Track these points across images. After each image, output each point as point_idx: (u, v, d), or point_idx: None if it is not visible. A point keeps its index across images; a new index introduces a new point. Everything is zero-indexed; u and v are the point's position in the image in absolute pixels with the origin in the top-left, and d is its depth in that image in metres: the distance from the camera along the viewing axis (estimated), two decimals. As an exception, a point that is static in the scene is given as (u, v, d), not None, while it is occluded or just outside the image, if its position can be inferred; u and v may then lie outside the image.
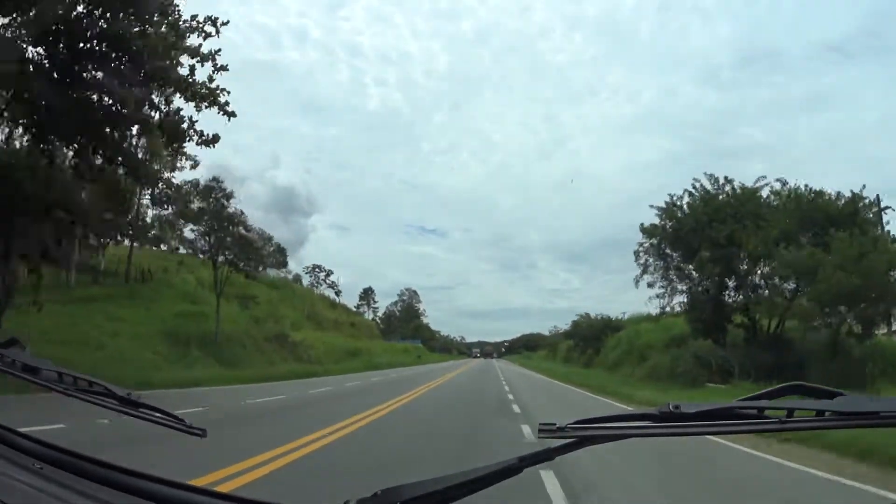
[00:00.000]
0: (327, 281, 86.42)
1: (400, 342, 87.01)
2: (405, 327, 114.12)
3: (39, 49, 13.65)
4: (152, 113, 15.24)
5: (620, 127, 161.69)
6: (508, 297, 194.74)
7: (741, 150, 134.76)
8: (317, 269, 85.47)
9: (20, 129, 15.65)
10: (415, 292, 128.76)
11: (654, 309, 29.16)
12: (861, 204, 22.66)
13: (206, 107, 14.99)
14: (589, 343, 45.94)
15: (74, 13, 13.54)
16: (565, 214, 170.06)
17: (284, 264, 71.81)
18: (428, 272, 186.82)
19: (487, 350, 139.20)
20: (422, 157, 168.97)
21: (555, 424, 0.93)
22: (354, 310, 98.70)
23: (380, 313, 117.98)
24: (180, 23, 14.73)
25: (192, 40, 14.85)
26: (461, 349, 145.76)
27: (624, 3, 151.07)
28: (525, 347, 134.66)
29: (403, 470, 5.50)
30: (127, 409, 1.17)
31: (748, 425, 0.97)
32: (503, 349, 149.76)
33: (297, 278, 74.09)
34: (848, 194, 23.06)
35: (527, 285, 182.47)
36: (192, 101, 14.93)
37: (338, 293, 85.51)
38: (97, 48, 13.81)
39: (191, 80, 14.83)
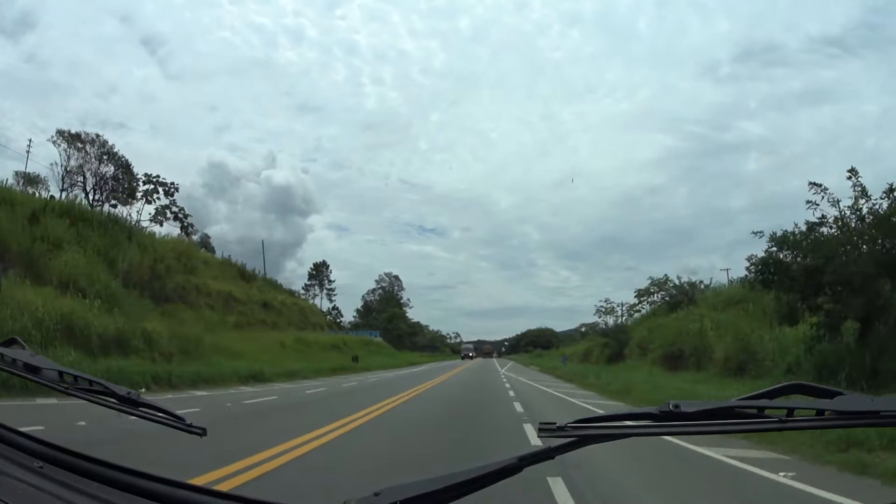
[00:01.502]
0: (181, 217, 50.70)
1: (340, 333, 59.19)
2: (377, 318, 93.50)
3: None
4: None
5: (619, 123, 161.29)
6: (508, 295, 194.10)
7: (740, 146, 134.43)
8: (153, 181, 47.71)
9: None
10: (396, 277, 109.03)
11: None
12: None
13: None
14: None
15: None
16: (564, 212, 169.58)
17: (130, 194, 44.88)
18: (428, 271, 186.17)
19: (486, 349, 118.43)
20: (420, 156, 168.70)
21: (555, 423, 0.93)
22: (302, 292, 77.20)
23: (358, 304, 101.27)
24: None
25: None
26: (455, 347, 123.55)
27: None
28: (533, 345, 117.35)
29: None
30: (127, 408, 1.17)
31: (748, 424, 0.97)
32: (503, 348, 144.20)
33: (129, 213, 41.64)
34: None
35: (526, 284, 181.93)
36: None
37: (188, 230, 51.52)
38: None
39: None
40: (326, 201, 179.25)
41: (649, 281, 40.17)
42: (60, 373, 1.22)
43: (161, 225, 47.04)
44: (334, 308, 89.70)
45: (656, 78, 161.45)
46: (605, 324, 49.88)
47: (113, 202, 43.81)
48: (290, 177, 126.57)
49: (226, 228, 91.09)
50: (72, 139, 41.84)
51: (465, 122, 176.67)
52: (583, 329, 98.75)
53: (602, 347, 42.67)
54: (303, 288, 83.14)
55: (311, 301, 77.55)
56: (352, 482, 5.31)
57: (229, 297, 37.58)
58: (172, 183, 49.76)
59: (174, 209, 50.66)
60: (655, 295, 41.24)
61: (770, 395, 0.96)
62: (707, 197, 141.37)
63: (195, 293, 32.81)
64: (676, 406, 0.93)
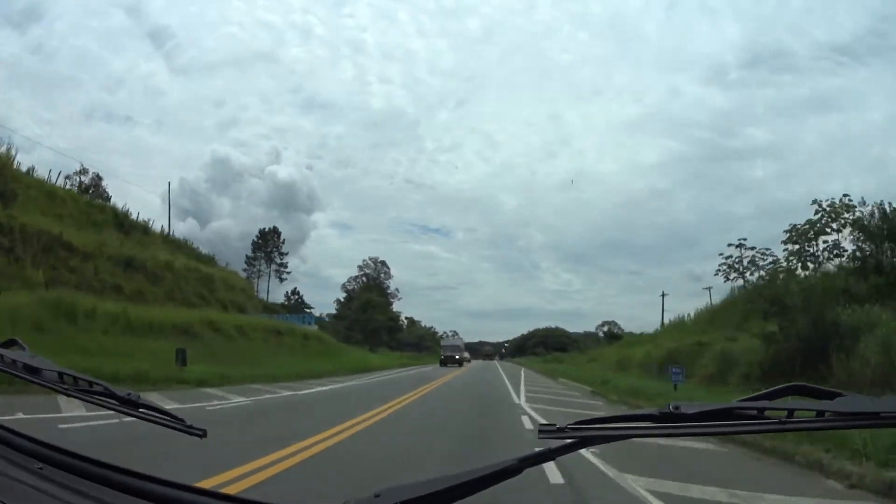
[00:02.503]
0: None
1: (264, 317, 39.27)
2: (346, 307, 76.15)
3: None
4: None
5: (625, 127, 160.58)
6: (510, 297, 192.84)
7: (746, 152, 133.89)
8: None
9: None
10: (382, 263, 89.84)
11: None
12: None
13: None
14: None
15: None
16: (568, 215, 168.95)
17: None
18: (431, 272, 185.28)
19: (487, 350, 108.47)
20: (426, 156, 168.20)
21: (555, 425, 0.93)
22: (245, 267, 61.92)
23: (340, 294, 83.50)
24: None
25: None
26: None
27: (630, 2, 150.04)
28: (542, 346, 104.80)
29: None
30: (127, 409, 1.17)
31: (748, 426, 0.96)
32: (503, 349, 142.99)
33: None
34: None
35: (529, 286, 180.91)
36: None
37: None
38: None
39: None
40: (330, 199, 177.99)
41: (816, 209, 19.74)
42: (60, 374, 1.22)
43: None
44: (294, 292, 71.18)
45: (664, 82, 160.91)
46: (748, 281, 23.11)
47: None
48: (294, 173, 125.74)
49: (229, 223, 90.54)
50: None
51: (471, 122, 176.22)
52: (605, 328, 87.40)
53: (768, 341, 17.05)
54: (245, 262, 65.47)
55: (254, 279, 61.38)
56: None
57: (55, 243, 24.77)
58: None
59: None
60: (829, 237, 20.16)
61: (770, 396, 0.97)
62: (712, 202, 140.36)
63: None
64: (677, 407, 0.93)
